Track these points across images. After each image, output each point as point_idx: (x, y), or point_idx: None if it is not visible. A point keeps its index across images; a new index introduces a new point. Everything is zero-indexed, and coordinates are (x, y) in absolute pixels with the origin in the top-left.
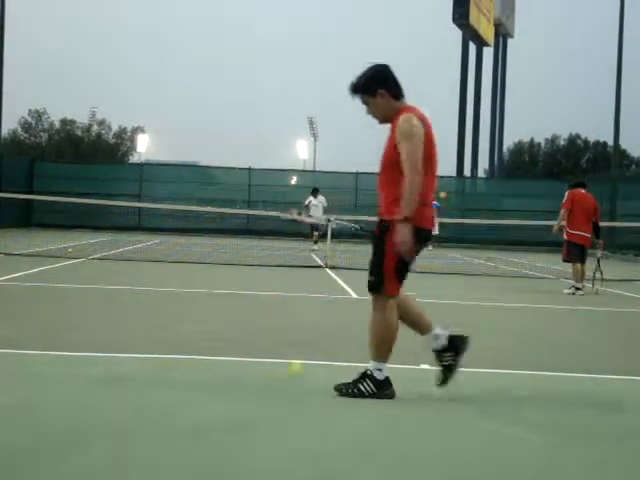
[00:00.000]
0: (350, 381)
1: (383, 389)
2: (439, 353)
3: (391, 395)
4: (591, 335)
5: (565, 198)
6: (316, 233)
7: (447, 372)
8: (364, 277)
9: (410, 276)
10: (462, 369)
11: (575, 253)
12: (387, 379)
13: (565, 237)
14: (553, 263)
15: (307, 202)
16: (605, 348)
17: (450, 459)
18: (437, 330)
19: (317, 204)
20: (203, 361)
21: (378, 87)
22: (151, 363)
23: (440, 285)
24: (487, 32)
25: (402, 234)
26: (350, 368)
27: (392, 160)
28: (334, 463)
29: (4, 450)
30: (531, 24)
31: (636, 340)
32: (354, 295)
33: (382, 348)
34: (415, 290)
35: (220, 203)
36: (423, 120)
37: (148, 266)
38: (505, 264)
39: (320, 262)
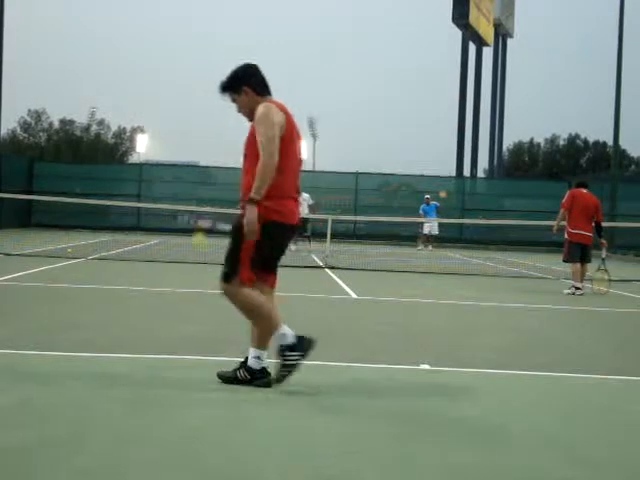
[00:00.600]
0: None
1: (300, 347)
2: (284, 351)
3: (266, 384)
4: (591, 335)
5: (565, 198)
6: (306, 233)
7: (286, 370)
8: (364, 277)
9: (411, 276)
10: (449, 369)
11: (575, 252)
12: (298, 337)
13: (566, 236)
14: (553, 263)
15: None
16: (604, 348)
17: (450, 459)
18: (284, 329)
19: (301, 202)
20: (203, 361)
21: (242, 84)
22: (151, 363)
23: (440, 285)
24: (487, 32)
25: (248, 213)
26: (350, 368)
27: (253, 149)
28: (334, 463)
29: (4, 450)
30: (531, 24)
31: (636, 340)
32: (354, 295)
33: (264, 331)
34: (416, 290)
35: (220, 203)
36: (284, 112)
37: (147, 266)
38: (505, 264)
39: (320, 262)
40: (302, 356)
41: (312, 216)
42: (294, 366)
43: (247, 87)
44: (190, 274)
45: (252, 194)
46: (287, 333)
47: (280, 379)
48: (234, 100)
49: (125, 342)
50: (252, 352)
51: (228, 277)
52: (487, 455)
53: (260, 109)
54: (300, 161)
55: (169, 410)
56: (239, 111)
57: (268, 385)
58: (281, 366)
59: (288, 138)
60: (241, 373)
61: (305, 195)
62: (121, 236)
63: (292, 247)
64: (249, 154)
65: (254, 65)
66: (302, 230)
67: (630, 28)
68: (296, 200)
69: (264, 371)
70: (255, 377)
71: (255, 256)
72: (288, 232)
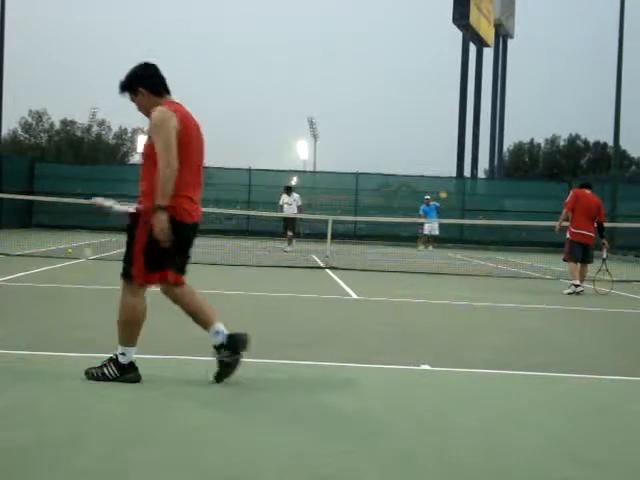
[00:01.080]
0: (101, 364)
1: (125, 373)
2: (217, 349)
3: (134, 379)
4: (591, 335)
5: (568, 198)
6: (290, 233)
7: (224, 368)
8: (364, 277)
9: (411, 276)
10: (449, 369)
11: (577, 252)
12: (131, 364)
13: (568, 236)
14: (553, 264)
15: (281, 202)
16: (604, 348)
17: (449, 459)
18: (218, 326)
19: (291, 202)
20: (202, 362)
21: (138, 85)
22: (150, 363)
23: (440, 285)
24: (487, 33)
25: (157, 222)
26: (350, 368)
27: (148, 152)
28: (333, 462)
29: (4, 450)
30: (531, 25)
31: (636, 340)
32: (354, 295)
33: (126, 333)
34: (416, 290)
35: (220, 204)
36: (181, 114)
37: None
38: (505, 264)
39: (320, 263)
40: (234, 353)
41: (299, 216)
42: (229, 364)
43: (143, 88)
44: (189, 274)
45: (158, 201)
46: (129, 356)
47: (219, 377)
48: (133, 100)
49: None
50: (119, 349)
51: (128, 276)
52: (487, 455)
53: (155, 115)
54: (201, 162)
55: (169, 410)
56: (139, 110)
57: (134, 380)
58: (98, 368)
59: (185, 140)
60: (109, 369)
61: (296, 195)
62: (122, 237)
63: (288, 248)
64: (144, 157)
65: (152, 65)
66: (285, 227)
67: (630, 29)
68: (192, 199)
69: (132, 366)
70: (123, 373)
71: (149, 255)
72: (181, 229)
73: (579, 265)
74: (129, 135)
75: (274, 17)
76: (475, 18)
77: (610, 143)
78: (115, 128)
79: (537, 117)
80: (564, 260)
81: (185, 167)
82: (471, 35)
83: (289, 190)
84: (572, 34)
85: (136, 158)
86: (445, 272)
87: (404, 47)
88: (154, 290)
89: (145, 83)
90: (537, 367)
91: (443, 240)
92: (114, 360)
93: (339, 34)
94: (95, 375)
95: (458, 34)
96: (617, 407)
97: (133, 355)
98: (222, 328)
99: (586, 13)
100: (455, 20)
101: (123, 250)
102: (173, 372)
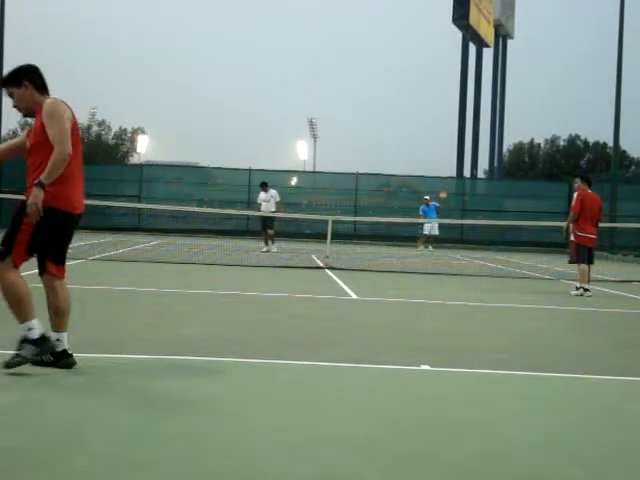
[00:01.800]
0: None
1: (41, 345)
2: (25, 342)
3: (51, 349)
4: (591, 335)
5: (574, 201)
6: (271, 232)
7: (19, 359)
8: (364, 277)
9: (410, 277)
10: (449, 369)
11: (583, 255)
12: (42, 336)
13: (573, 239)
14: (554, 264)
15: (259, 200)
16: (604, 348)
17: (449, 459)
18: (35, 324)
19: (268, 199)
20: (202, 362)
21: (23, 78)
22: (151, 363)
23: (439, 285)
24: (487, 33)
25: (34, 196)
26: (350, 368)
27: (40, 143)
28: (334, 463)
29: (4, 450)
30: (531, 25)
31: (635, 340)
32: (354, 295)
33: (19, 310)
34: (415, 290)
35: (220, 204)
36: (70, 110)
37: (147, 267)
38: (505, 265)
39: (320, 263)
40: (39, 354)
41: (278, 215)
42: (27, 359)
43: (28, 81)
44: (190, 275)
45: (42, 178)
46: (35, 328)
47: (10, 365)
48: (11, 94)
49: (124, 342)
50: (22, 328)
51: (5, 255)
52: (487, 455)
53: (49, 104)
54: (82, 158)
55: (169, 410)
56: (15, 105)
57: (51, 350)
58: (16, 355)
59: (75, 133)
60: (26, 350)
61: (273, 192)
62: (121, 237)
63: (274, 248)
64: (35, 149)
65: (36, 66)
66: (263, 227)
67: (630, 29)
68: (80, 192)
69: (44, 337)
70: (40, 346)
71: (34, 241)
72: (68, 219)
73: (586, 267)
74: (129, 135)
75: (274, 17)
76: (475, 18)
77: (610, 143)
78: (115, 128)
79: (537, 117)
80: (570, 262)
81: (75, 161)
82: (471, 35)
83: (265, 186)
84: (572, 34)
85: (136, 158)
86: (445, 272)
87: (404, 47)
88: (155, 291)
89: (31, 78)
90: (537, 367)
91: (443, 240)
92: (26, 340)
93: (339, 34)
94: (17, 362)
95: (458, 34)
96: (617, 407)
97: (44, 330)
98: (37, 327)
99: (586, 13)
100: (455, 20)
101: (122, 250)
102: (172, 372)
